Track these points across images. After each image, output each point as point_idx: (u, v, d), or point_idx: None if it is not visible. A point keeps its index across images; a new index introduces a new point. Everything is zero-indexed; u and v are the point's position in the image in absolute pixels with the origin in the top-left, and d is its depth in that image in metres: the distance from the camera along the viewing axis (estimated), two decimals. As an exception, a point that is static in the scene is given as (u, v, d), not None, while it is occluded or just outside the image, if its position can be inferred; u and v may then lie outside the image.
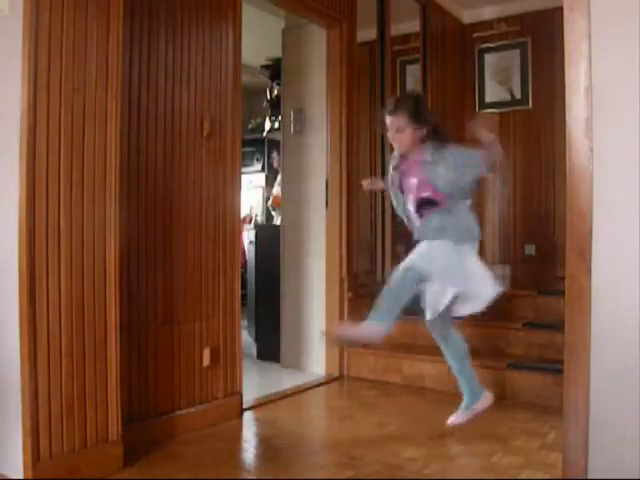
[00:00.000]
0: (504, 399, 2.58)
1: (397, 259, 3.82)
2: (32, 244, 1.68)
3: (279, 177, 3.97)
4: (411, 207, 2.21)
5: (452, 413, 2.27)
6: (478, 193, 3.98)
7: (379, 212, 3.63)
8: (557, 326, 2.72)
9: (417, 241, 2.19)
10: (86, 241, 1.82)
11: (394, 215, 3.72)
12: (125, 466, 1.90)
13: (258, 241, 3.67)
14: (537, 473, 1.87)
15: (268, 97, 4.82)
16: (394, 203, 2.31)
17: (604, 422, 1.41)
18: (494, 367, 2.69)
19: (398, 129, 2.13)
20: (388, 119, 2.16)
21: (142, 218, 2.12)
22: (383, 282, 3.48)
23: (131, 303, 2.04)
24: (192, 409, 2.27)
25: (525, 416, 2.39)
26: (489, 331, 2.86)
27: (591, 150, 1.43)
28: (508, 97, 3.93)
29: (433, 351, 2.88)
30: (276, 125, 4.64)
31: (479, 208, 3.97)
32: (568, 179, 1.46)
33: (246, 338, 3.32)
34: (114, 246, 1.89)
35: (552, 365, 2.67)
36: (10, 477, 1.70)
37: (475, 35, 4.01)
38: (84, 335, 1.81)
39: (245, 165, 4.44)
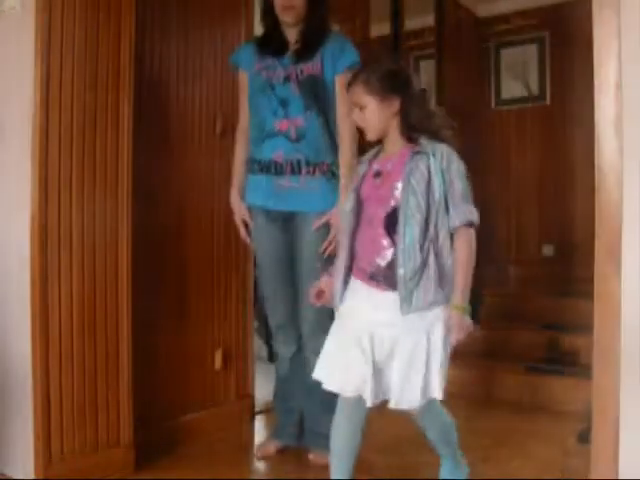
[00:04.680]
0: (523, 403, 2.53)
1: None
2: (44, 245, 1.67)
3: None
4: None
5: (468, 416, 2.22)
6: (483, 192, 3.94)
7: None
8: (577, 328, 2.67)
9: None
10: (98, 242, 1.80)
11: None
12: (136, 470, 1.88)
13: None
14: (559, 481, 1.82)
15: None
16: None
17: (635, 426, 1.37)
18: (513, 370, 2.65)
19: (358, 105, 1.51)
20: (348, 95, 1.56)
21: (154, 218, 2.09)
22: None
23: (143, 305, 2.01)
24: (204, 412, 2.24)
25: (544, 421, 2.34)
26: (508, 333, 2.81)
27: (621, 149, 1.39)
28: (525, 93, 3.86)
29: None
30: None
31: (492, 206, 3.93)
32: (597, 178, 1.42)
33: (257, 340, 3.28)
34: (126, 247, 1.86)
35: (572, 368, 2.62)
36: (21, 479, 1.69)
37: (491, 29, 3.94)
38: (95, 337, 1.80)
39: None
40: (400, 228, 1.43)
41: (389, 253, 1.46)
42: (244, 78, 1.99)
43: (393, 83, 1.51)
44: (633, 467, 1.37)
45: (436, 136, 1.51)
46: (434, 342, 1.44)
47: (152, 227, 2.08)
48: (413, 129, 1.51)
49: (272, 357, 3.45)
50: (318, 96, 1.86)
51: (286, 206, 1.90)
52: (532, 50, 3.83)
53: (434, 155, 1.45)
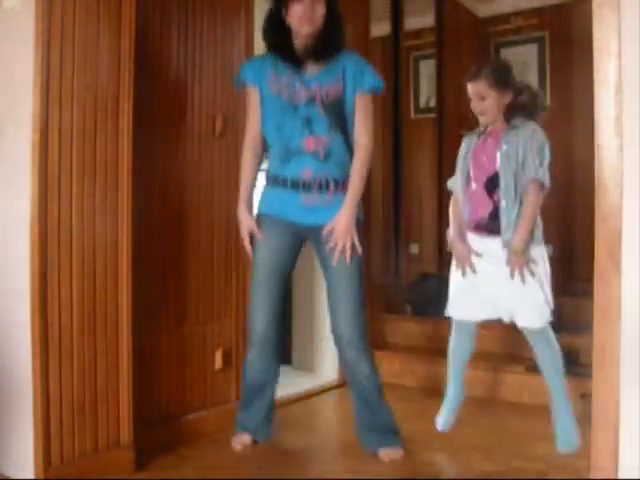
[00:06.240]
0: (523, 403, 2.53)
1: (411, 260, 3.79)
2: (44, 244, 1.67)
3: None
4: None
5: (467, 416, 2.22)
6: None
7: (392, 209, 3.58)
8: (577, 328, 2.66)
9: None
10: (98, 241, 1.80)
11: (407, 213, 3.70)
12: (136, 470, 1.88)
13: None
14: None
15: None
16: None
17: (635, 427, 1.36)
18: (512, 371, 2.64)
19: (480, 96, 1.94)
20: (469, 87, 1.98)
21: (154, 218, 2.09)
22: (397, 283, 3.45)
23: (143, 305, 2.00)
24: (204, 412, 2.24)
25: (544, 420, 2.33)
26: (507, 334, 2.80)
27: (621, 149, 1.39)
28: (525, 93, 3.86)
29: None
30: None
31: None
32: (597, 178, 1.41)
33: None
34: (126, 247, 1.86)
35: (571, 368, 2.61)
36: (21, 482, 1.69)
37: (491, 29, 3.93)
38: (95, 337, 1.79)
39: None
40: (501, 190, 1.88)
41: (489, 209, 1.93)
42: (254, 94, 2.00)
43: (507, 79, 1.95)
44: (633, 467, 1.37)
45: (528, 113, 1.95)
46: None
47: (152, 227, 2.08)
48: (518, 114, 1.94)
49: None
50: (340, 115, 1.92)
51: (312, 220, 1.95)
52: (532, 50, 3.83)
53: (523, 129, 1.90)
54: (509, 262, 1.90)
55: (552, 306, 1.95)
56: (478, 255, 1.98)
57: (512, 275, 1.90)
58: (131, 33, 1.86)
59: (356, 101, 1.93)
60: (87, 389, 1.77)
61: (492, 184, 1.93)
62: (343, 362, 2.08)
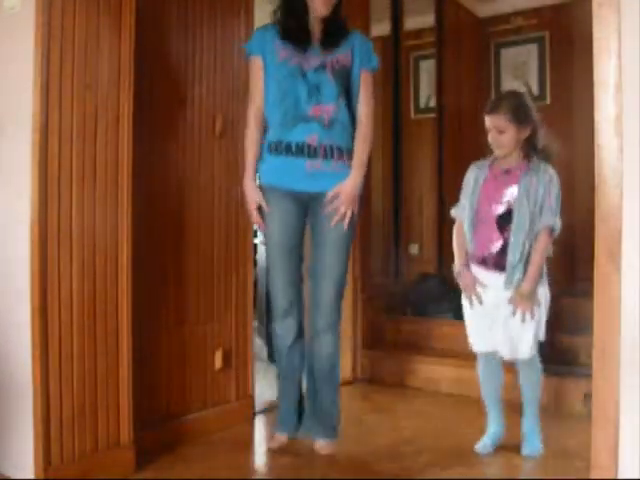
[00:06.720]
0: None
1: (411, 260, 3.79)
2: (44, 245, 1.67)
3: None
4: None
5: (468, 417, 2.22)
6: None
7: (392, 209, 3.58)
8: (577, 328, 2.66)
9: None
10: (98, 241, 1.80)
11: (407, 213, 3.70)
12: (137, 470, 1.88)
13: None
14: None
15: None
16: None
17: (635, 427, 1.36)
18: (513, 370, 2.63)
19: (499, 130, 1.94)
20: (487, 119, 1.97)
21: (154, 218, 2.09)
22: (397, 283, 3.45)
23: (143, 305, 2.01)
24: (203, 412, 2.24)
25: (544, 420, 2.33)
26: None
27: (621, 149, 1.38)
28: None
29: (450, 354, 2.85)
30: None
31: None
32: (597, 178, 1.41)
33: (257, 340, 3.28)
34: (126, 246, 1.86)
35: (571, 368, 2.62)
36: (21, 482, 1.69)
37: (491, 29, 3.93)
38: (95, 337, 1.80)
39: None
40: (513, 227, 1.90)
41: (498, 244, 1.94)
42: (258, 63, 2.00)
43: (527, 114, 1.95)
44: (633, 467, 1.37)
45: (545, 155, 1.97)
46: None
47: (152, 227, 2.08)
48: (535, 151, 1.96)
49: (272, 357, 3.46)
50: (347, 85, 1.98)
51: (317, 187, 1.96)
52: (532, 50, 3.84)
53: (543, 173, 1.92)
54: (512, 301, 1.92)
55: (541, 339, 2.01)
56: (483, 286, 1.99)
57: (514, 313, 1.92)
58: (131, 33, 1.86)
59: (362, 75, 2.00)
60: (87, 389, 1.77)
61: (505, 220, 1.93)
62: (310, 334, 2.05)
